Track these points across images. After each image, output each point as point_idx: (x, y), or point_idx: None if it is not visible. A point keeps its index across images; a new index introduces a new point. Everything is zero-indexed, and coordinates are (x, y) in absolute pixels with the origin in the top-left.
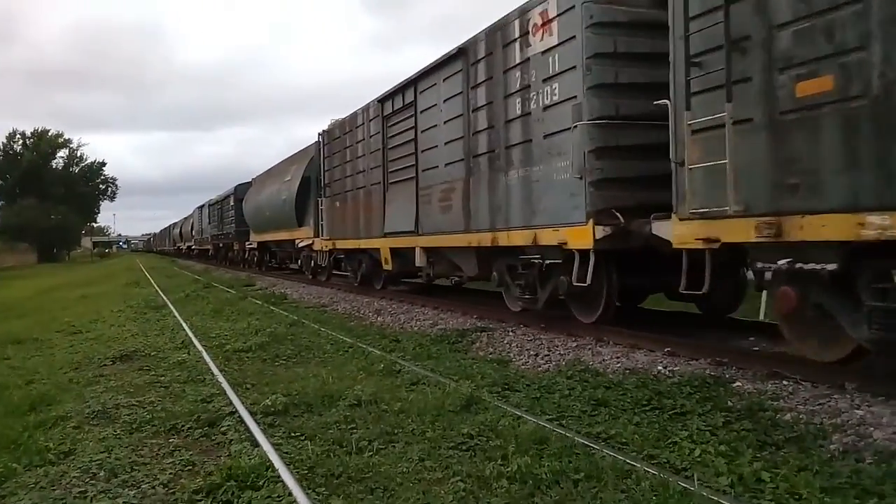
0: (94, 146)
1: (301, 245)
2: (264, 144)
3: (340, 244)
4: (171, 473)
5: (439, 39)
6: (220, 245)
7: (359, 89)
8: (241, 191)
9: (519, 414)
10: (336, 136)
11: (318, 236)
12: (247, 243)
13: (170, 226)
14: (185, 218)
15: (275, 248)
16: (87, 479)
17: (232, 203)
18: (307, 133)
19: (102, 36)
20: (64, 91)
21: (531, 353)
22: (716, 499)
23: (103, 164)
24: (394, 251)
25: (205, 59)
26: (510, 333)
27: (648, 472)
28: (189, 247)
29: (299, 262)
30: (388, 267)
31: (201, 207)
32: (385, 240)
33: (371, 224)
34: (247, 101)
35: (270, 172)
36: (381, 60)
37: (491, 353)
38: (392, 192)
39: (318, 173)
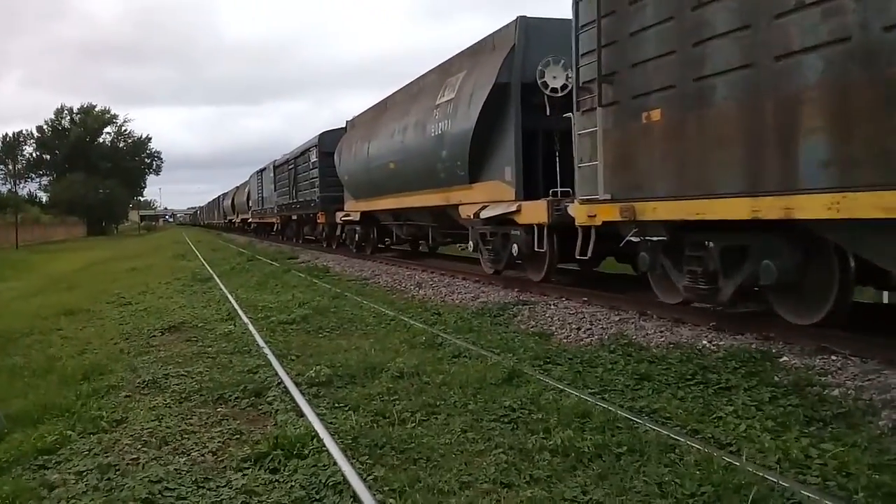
0: (141, 120)
1: (487, 216)
2: (311, 118)
3: (662, 211)
4: (219, 442)
5: (494, 4)
6: (293, 218)
7: (409, 62)
8: (329, 141)
9: (561, 387)
10: None
11: (530, 197)
12: (339, 214)
13: (219, 197)
14: (239, 187)
15: (388, 220)
16: (138, 447)
17: (314, 159)
18: (353, 105)
19: (155, 7)
20: (114, 65)
21: (573, 326)
22: (762, 474)
23: (149, 138)
24: None
25: (254, 32)
26: (552, 307)
27: (693, 446)
28: (244, 220)
29: (470, 244)
30: None
31: (261, 171)
32: None
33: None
34: (294, 75)
35: (395, 99)
36: (431, 31)
37: (532, 327)
38: None
39: (534, 73)
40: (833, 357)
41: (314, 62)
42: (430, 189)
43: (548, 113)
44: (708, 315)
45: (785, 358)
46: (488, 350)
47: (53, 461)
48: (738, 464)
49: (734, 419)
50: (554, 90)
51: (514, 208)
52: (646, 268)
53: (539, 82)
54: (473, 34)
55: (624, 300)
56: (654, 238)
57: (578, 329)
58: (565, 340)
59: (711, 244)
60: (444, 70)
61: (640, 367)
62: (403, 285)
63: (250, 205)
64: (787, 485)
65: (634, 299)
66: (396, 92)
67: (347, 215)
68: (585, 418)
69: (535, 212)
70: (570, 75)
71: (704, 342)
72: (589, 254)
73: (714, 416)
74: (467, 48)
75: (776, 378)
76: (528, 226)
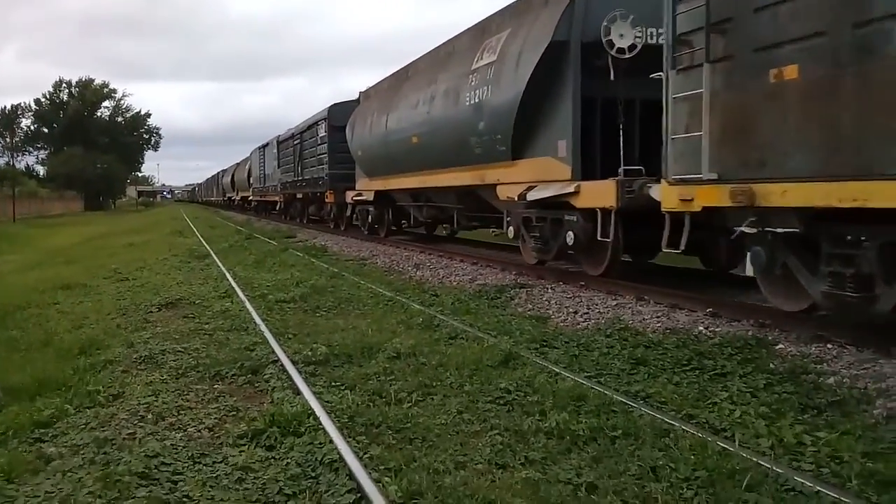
0: (142, 95)
1: (536, 197)
2: (311, 95)
3: (796, 196)
4: (215, 418)
5: None
6: (298, 196)
7: (412, 42)
8: (339, 114)
9: (557, 370)
10: None
11: (588, 177)
12: (350, 194)
13: (219, 173)
14: (239, 163)
15: (405, 201)
16: (135, 422)
17: (323, 133)
18: (355, 83)
19: None
20: (115, 39)
21: (570, 310)
22: (755, 460)
23: (148, 114)
24: None
25: (259, 6)
26: (549, 290)
27: (687, 431)
28: (244, 198)
29: (509, 230)
30: None
31: (263, 147)
32: None
33: None
34: (296, 52)
35: (418, 66)
36: (436, 11)
37: (530, 310)
38: None
39: (597, 30)
40: (829, 345)
41: (317, 39)
42: (460, 166)
43: (612, 77)
44: (704, 301)
45: (781, 345)
46: (485, 332)
47: (50, 434)
48: (732, 449)
49: (729, 405)
50: (620, 50)
51: (570, 189)
52: (761, 267)
53: (604, 41)
54: (479, 16)
55: (621, 285)
56: (780, 230)
57: (575, 313)
58: (562, 324)
59: (865, 240)
60: (481, 30)
61: (636, 352)
62: (401, 266)
63: (251, 182)
64: (780, 471)
65: (631, 284)
66: (420, 58)
67: (359, 195)
68: (581, 401)
69: (600, 193)
70: (638, 34)
71: (701, 328)
72: (682, 246)
73: (709, 401)
74: (509, 4)
75: (772, 365)
76: (587, 210)
